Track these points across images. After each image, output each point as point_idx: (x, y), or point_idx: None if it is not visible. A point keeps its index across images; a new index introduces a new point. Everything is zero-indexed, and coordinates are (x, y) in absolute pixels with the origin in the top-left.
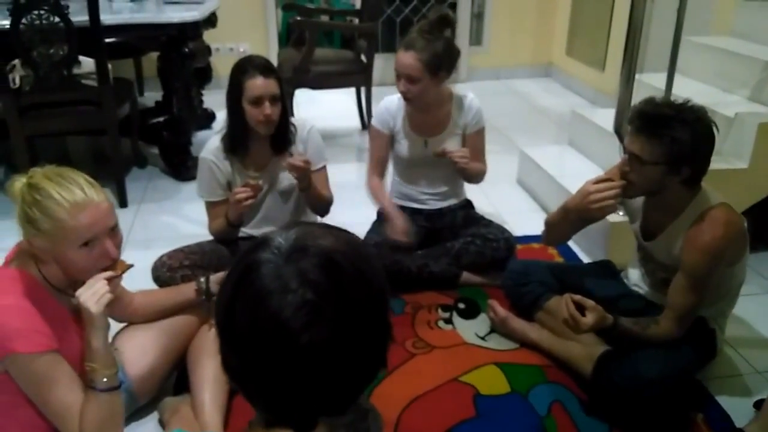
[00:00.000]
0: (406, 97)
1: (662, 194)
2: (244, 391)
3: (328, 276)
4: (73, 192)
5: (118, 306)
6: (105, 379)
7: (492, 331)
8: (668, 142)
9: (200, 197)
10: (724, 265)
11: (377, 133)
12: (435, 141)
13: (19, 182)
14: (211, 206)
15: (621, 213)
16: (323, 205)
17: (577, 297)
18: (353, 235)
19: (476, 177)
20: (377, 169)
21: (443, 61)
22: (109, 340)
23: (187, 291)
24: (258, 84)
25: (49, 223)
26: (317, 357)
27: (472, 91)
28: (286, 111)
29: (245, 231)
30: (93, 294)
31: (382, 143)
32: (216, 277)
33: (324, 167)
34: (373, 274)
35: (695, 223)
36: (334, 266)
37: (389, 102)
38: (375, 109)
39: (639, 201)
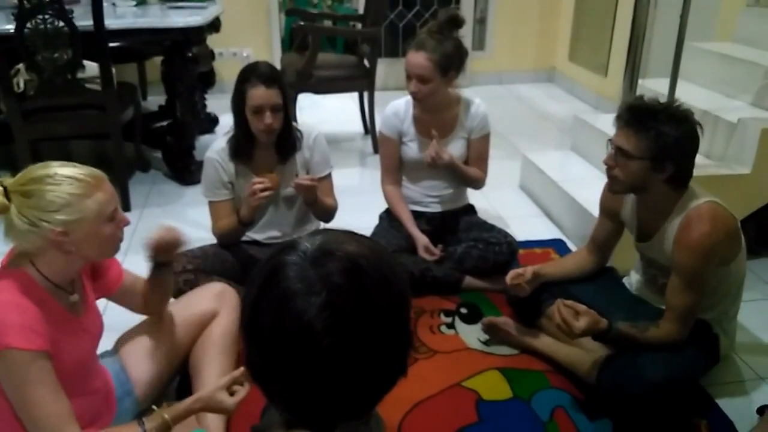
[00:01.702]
0: (416, 97)
1: (649, 194)
2: (265, 391)
3: (352, 280)
4: (84, 168)
5: (131, 295)
6: (155, 429)
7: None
8: (654, 135)
9: (204, 197)
10: (718, 263)
11: (386, 140)
12: (442, 144)
13: None
14: (215, 206)
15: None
16: (328, 213)
17: (569, 302)
18: (378, 242)
19: (472, 182)
20: (391, 175)
21: (453, 61)
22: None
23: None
24: (259, 94)
25: (86, 201)
26: (338, 359)
27: (474, 96)
28: (289, 119)
29: (249, 235)
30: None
31: (392, 149)
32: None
33: (329, 174)
34: (396, 280)
35: (683, 222)
36: (358, 271)
37: (396, 106)
38: (381, 115)
39: (631, 205)
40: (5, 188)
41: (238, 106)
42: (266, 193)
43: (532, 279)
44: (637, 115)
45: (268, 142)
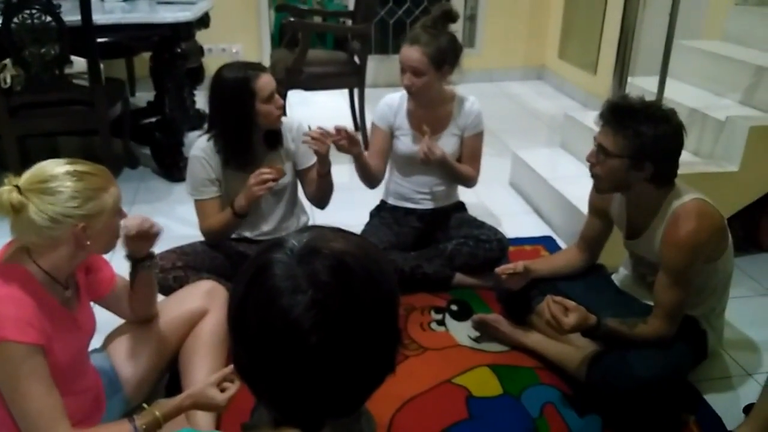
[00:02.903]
0: (410, 90)
1: (634, 193)
2: (253, 388)
3: (338, 278)
4: (91, 164)
5: (124, 300)
6: (145, 428)
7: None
8: (631, 135)
9: (191, 195)
10: (705, 260)
11: (376, 129)
12: (434, 140)
13: (8, 189)
14: (202, 204)
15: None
16: (328, 191)
17: (558, 298)
18: (366, 239)
19: (464, 180)
20: (373, 160)
21: (447, 56)
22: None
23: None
24: (267, 80)
25: (104, 195)
26: (325, 357)
27: (464, 93)
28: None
29: (238, 232)
30: (222, 390)
31: (380, 139)
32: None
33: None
34: (384, 278)
35: (670, 220)
36: (345, 269)
37: (390, 99)
38: (375, 107)
39: (620, 204)
40: (18, 187)
41: (245, 108)
42: (272, 184)
43: (524, 273)
44: (616, 113)
45: (275, 128)
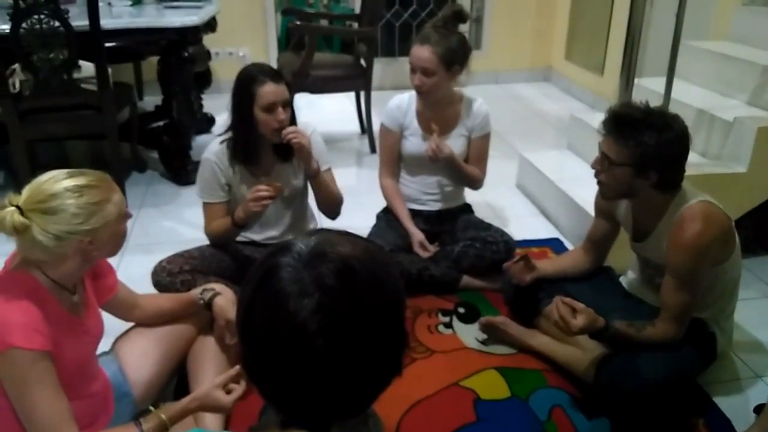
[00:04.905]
0: (420, 90)
1: (640, 197)
2: (261, 390)
3: (344, 281)
4: (90, 172)
5: (124, 306)
6: (152, 429)
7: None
8: (633, 145)
9: (199, 197)
10: (712, 263)
11: (387, 132)
12: (442, 139)
13: (11, 212)
14: (209, 207)
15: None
16: (334, 202)
17: (567, 299)
18: (373, 243)
19: (471, 181)
20: (388, 168)
21: (457, 56)
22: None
23: (189, 297)
24: (271, 90)
25: (107, 206)
26: (332, 360)
27: (471, 95)
28: (294, 117)
29: (246, 235)
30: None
31: (392, 141)
32: (223, 299)
33: (329, 169)
34: (390, 281)
35: (676, 222)
36: (351, 272)
37: (399, 100)
38: (382, 109)
39: (626, 207)
40: (19, 207)
41: (245, 108)
42: (268, 202)
43: (530, 265)
44: (618, 123)
45: (277, 141)
